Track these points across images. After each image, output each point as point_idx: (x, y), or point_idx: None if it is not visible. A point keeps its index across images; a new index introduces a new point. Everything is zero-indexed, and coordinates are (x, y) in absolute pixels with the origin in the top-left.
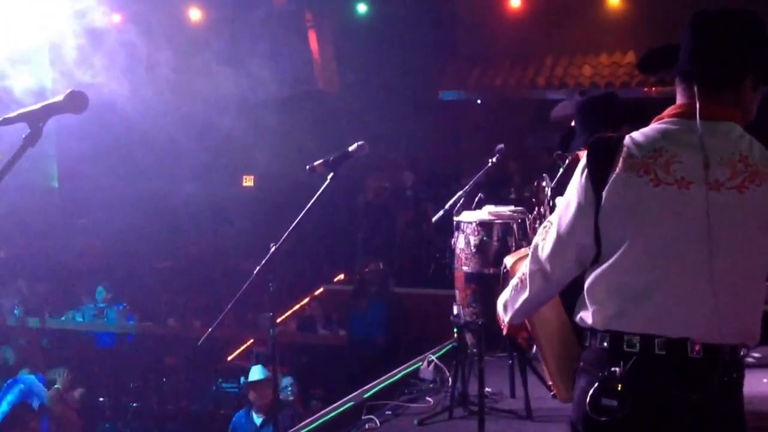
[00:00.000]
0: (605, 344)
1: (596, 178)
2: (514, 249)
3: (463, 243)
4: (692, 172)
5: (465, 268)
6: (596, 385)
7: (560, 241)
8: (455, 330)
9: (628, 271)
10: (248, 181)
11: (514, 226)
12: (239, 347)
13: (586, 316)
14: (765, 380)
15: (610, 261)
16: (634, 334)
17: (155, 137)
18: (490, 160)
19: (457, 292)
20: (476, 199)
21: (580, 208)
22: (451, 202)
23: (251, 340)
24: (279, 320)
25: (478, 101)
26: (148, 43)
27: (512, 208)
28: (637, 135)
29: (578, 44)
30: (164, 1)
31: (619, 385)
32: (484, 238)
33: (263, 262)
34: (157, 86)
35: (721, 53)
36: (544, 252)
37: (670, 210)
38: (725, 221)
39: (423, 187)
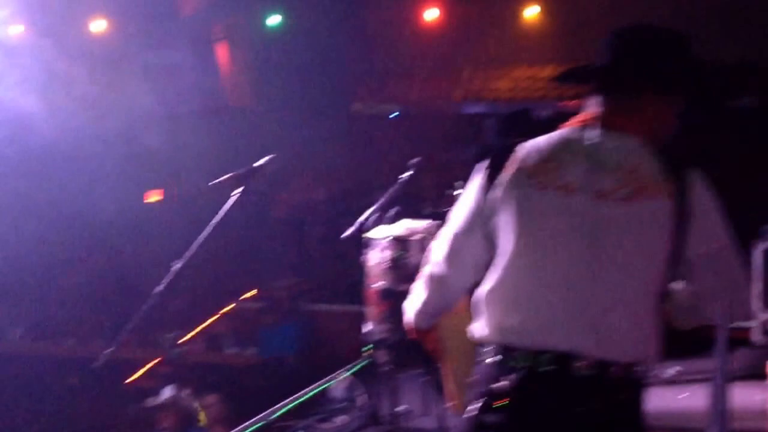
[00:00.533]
0: (493, 358)
1: (489, 182)
2: None
3: (377, 258)
4: (579, 179)
5: (379, 284)
6: (481, 401)
7: (454, 243)
8: (368, 347)
9: (514, 281)
10: (157, 197)
11: (430, 241)
12: (143, 368)
13: (477, 327)
14: (680, 396)
15: (499, 269)
16: (522, 348)
17: (64, 151)
18: (405, 174)
19: (370, 308)
20: (392, 214)
21: (472, 212)
22: (364, 216)
23: (155, 360)
24: (185, 339)
25: (394, 114)
26: (53, 55)
27: (428, 222)
28: (534, 141)
29: (495, 57)
30: (67, 11)
31: (505, 401)
32: (399, 254)
33: (165, 280)
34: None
35: (631, 64)
36: (440, 254)
37: (554, 216)
38: (609, 232)
39: (337, 201)
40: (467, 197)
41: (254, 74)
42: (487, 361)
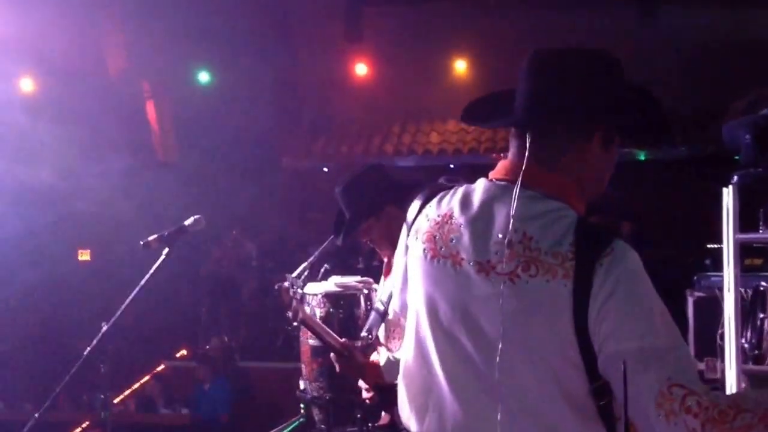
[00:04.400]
0: None
1: (405, 240)
2: (361, 321)
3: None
4: (467, 248)
5: (311, 342)
6: None
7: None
8: (302, 405)
9: (412, 365)
10: (84, 255)
11: (361, 297)
12: (73, 431)
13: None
14: None
15: (403, 350)
16: None
17: None
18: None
19: (303, 366)
20: (322, 270)
21: (402, 269)
22: (296, 273)
23: (86, 423)
24: (116, 400)
25: (324, 169)
26: None
27: (359, 278)
28: (444, 194)
29: (425, 111)
30: None
31: None
32: (331, 310)
33: (95, 341)
34: None
35: (557, 101)
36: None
37: (442, 290)
38: (491, 315)
39: (268, 257)
40: (398, 251)
41: (182, 130)
42: None
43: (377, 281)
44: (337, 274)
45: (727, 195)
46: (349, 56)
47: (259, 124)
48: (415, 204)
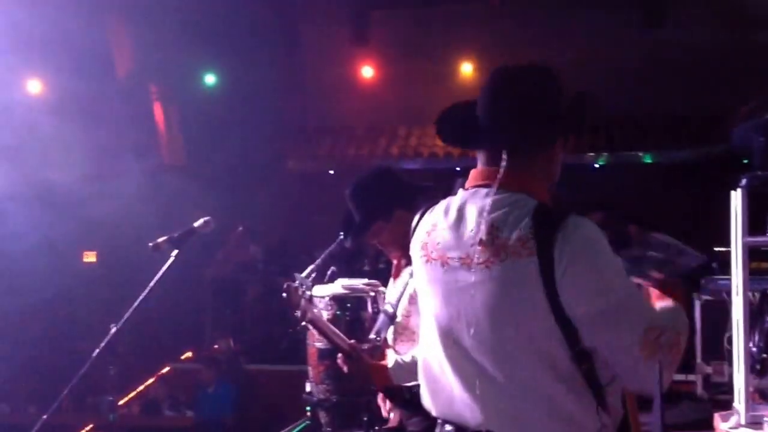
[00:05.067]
0: (437, 429)
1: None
2: (368, 323)
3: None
4: (450, 247)
5: (318, 344)
6: None
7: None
8: (308, 408)
9: (425, 356)
10: (90, 257)
11: (368, 299)
12: None
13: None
14: None
15: (420, 346)
16: (450, 423)
17: None
18: (342, 233)
19: (309, 368)
20: (329, 273)
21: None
22: (304, 273)
23: (91, 426)
24: (121, 403)
25: (330, 172)
26: None
27: (366, 281)
28: (432, 208)
29: (432, 114)
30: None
31: None
32: (337, 313)
33: (103, 343)
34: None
35: (527, 123)
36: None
37: (434, 290)
38: (478, 302)
39: (273, 260)
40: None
41: (189, 133)
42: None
43: (384, 284)
44: (343, 276)
45: (736, 198)
46: (355, 59)
47: (266, 127)
48: (415, 219)
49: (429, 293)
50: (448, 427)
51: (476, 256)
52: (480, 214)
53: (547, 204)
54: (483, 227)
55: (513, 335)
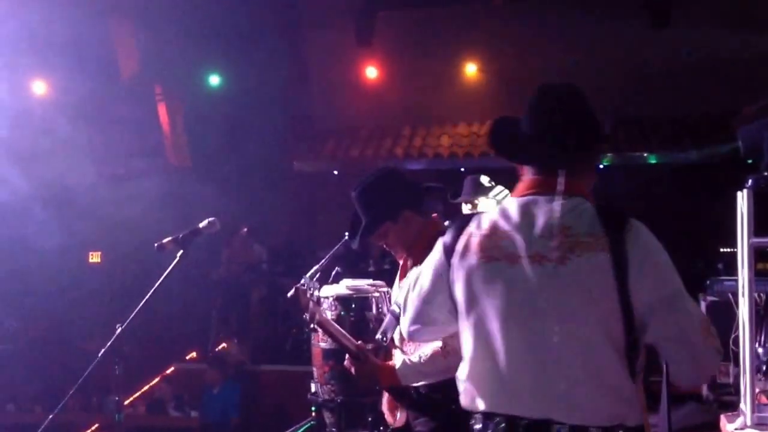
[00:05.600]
0: (477, 425)
1: (448, 250)
2: (372, 324)
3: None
4: (519, 247)
5: (323, 345)
6: None
7: (420, 305)
8: (313, 408)
9: (478, 352)
10: (95, 258)
11: (373, 300)
12: None
13: (462, 397)
14: None
15: (464, 342)
16: (501, 415)
17: (2, 214)
18: (347, 233)
19: (314, 369)
20: (333, 273)
21: (435, 276)
22: (309, 274)
23: (96, 425)
24: (127, 402)
25: (335, 172)
26: None
27: (370, 281)
28: (484, 215)
29: (436, 114)
30: (7, 72)
31: None
32: (342, 313)
33: (109, 343)
34: (3, 160)
35: (556, 136)
36: (409, 315)
37: (502, 286)
38: (552, 295)
39: (278, 260)
40: (430, 262)
41: (194, 133)
42: (475, 427)
43: (389, 284)
44: (348, 277)
45: (742, 199)
46: (359, 59)
47: (270, 127)
48: (451, 232)
49: (488, 291)
50: (498, 420)
51: (549, 253)
52: (550, 217)
53: (603, 205)
54: (555, 228)
55: (584, 323)
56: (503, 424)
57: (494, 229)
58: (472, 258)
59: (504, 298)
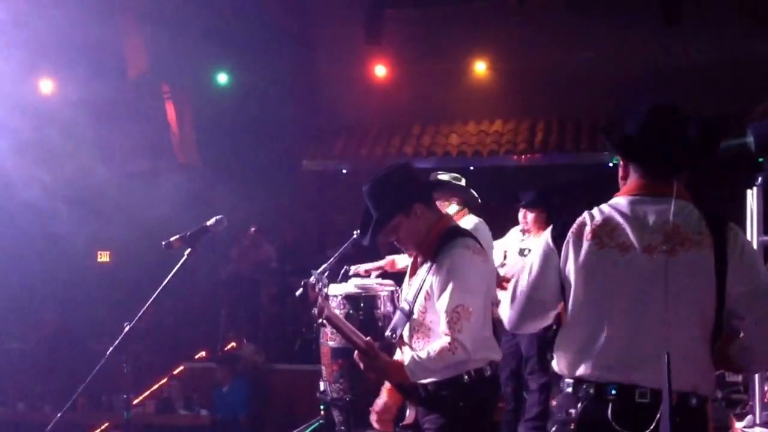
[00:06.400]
0: (569, 389)
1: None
2: (381, 323)
3: None
4: (631, 238)
5: (331, 343)
6: (555, 427)
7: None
8: (322, 407)
9: (583, 325)
10: (104, 257)
11: (381, 298)
12: None
13: (557, 364)
14: None
15: (571, 314)
16: (591, 381)
17: (11, 213)
18: (356, 232)
19: (323, 367)
20: (342, 272)
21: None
22: (320, 269)
23: (106, 424)
24: (136, 402)
25: (344, 171)
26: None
27: (379, 280)
28: (594, 210)
29: (445, 113)
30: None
31: (573, 425)
32: (350, 312)
33: (117, 341)
34: (15, 159)
35: (674, 146)
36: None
37: (612, 269)
38: (658, 280)
39: (287, 259)
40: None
41: (202, 132)
42: (566, 390)
43: (398, 283)
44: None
45: (752, 197)
46: (368, 58)
47: (278, 126)
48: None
49: (598, 273)
50: (587, 385)
51: (660, 246)
52: (664, 215)
53: (707, 209)
54: (668, 226)
55: (686, 305)
56: (592, 389)
57: (608, 220)
58: (585, 244)
59: (613, 281)
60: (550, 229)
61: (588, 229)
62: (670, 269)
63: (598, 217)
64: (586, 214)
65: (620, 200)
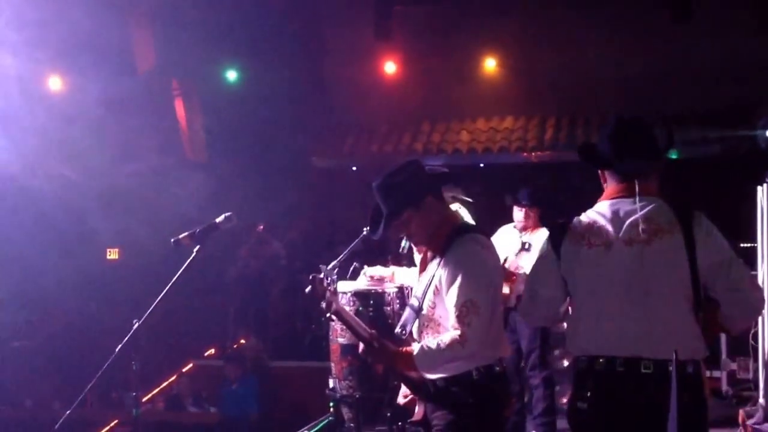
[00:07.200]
0: (581, 365)
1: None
2: (391, 319)
3: None
4: (613, 235)
5: (341, 340)
6: (571, 393)
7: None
8: (331, 404)
9: (587, 312)
10: (113, 254)
11: (391, 295)
12: (102, 429)
13: (570, 345)
14: None
15: (575, 305)
16: (601, 357)
17: (18, 211)
18: (365, 228)
19: (332, 364)
20: (351, 269)
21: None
22: (330, 265)
23: (115, 421)
24: (145, 399)
25: (353, 168)
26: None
27: (390, 270)
28: (582, 215)
29: (455, 110)
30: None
31: (588, 393)
32: (360, 309)
33: (126, 338)
34: (23, 156)
35: (639, 154)
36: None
37: (602, 263)
38: (641, 267)
39: (297, 256)
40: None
41: (211, 129)
42: (578, 367)
43: None
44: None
45: (763, 193)
46: (378, 54)
47: (288, 123)
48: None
49: (593, 268)
50: (601, 360)
51: (637, 237)
52: (633, 213)
53: (673, 201)
54: (641, 219)
55: (667, 284)
56: (604, 363)
57: (592, 224)
58: (577, 246)
59: (605, 272)
60: (549, 233)
61: (578, 232)
62: (646, 257)
63: (585, 221)
64: (575, 219)
65: (602, 204)
